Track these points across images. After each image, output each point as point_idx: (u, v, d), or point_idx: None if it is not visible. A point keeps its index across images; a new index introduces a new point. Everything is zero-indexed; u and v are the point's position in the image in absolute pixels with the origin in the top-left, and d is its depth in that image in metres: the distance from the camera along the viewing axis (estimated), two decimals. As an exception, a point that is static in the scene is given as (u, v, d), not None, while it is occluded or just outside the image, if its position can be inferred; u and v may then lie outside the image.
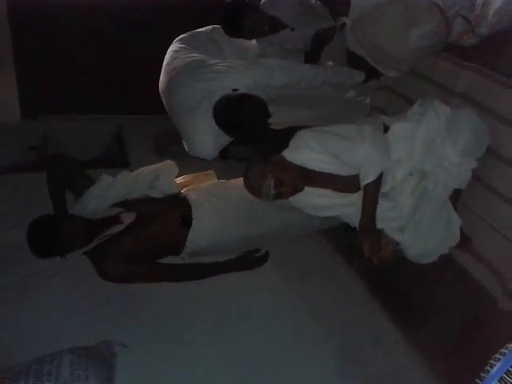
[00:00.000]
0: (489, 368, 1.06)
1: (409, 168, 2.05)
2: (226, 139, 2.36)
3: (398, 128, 2.07)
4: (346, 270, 2.56)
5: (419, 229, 2.06)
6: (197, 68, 2.30)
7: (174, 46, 2.51)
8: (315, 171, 2.04)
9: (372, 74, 2.58)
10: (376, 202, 2.01)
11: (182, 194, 2.36)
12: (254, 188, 2.04)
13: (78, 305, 2.17)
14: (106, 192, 2.22)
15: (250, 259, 2.42)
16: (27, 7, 3.39)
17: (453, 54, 2.28)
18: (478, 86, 2.19)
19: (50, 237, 2.05)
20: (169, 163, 2.42)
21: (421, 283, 2.27)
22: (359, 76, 2.59)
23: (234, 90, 2.24)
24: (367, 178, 1.96)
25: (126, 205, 2.24)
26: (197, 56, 2.38)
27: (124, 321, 2.11)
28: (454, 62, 2.28)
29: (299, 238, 2.58)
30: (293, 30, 2.59)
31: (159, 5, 3.66)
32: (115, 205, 2.24)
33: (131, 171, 2.39)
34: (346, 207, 2.13)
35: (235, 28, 2.46)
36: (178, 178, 2.48)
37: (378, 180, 1.97)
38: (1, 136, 1.98)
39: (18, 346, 1.93)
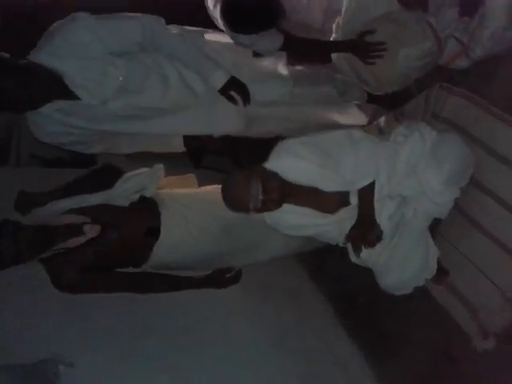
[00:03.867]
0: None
1: (385, 191, 1.95)
2: None
3: (380, 148, 1.97)
4: (312, 291, 2.47)
5: (395, 258, 1.96)
6: None
7: None
8: (296, 185, 1.93)
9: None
10: (373, 205, 1.94)
11: (153, 198, 2.19)
12: (236, 196, 1.89)
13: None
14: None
15: (221, 277, 2.26)
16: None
17: (442, 77, 2.21)
18: (465, 112, 2.12)
19: None
20: (159, 168, 2.25)
21: (392, 313, 2.19)
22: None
23: None
24: (362, 181, 1.89)
25: (89, 212, 2.05)
26: None
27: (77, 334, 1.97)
28: (442, 87, 2.21)
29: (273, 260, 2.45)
30: None
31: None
32: (74, 210, 2.06)
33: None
34: (326, 226, 2.03)
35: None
36: None
37: (372, 185, 1.89)
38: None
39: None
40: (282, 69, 2.39)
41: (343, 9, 2.38)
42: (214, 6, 2.26)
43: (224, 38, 2.27)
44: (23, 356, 1.77)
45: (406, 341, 2.16)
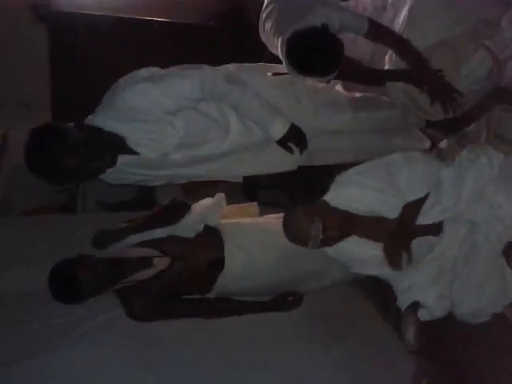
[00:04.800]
0: None
1: (451, 214, 1.91)
2: None
3: (445, 173, 1.94)
4: (381, 325, 2.41)
5: (470, 285, 1.89)
6: None
7: None
8: (359, 215, 1.93)
9: None
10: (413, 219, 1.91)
11: (217, 229, 2.26)
12: (297, 233, 1.92)
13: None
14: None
15: (284, 301, 2.30)
16: (69, 51, 3.45)
17: (506, 98, 2.17)
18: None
19: (67, 284, 1.96)
20: (221, 196, 2.36)
21: (469, 344, 2.10)
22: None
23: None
24: (412, 194, 1.89)
25: (158, 245, 2.15)
26: None
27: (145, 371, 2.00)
28: (503, 109, 2.16)
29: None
30: None
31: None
32: (145, 243, 2.16)
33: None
34: (383, 267, 1.99)
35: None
36: None
37: (421, 201, 1.87)
38: (30, 177, 1.92)
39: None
40: (342, 96, 2.39)
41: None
42: (263, 30, 2.37)
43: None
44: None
45: (485, 373, 2.07)
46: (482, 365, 2.11)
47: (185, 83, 1.93)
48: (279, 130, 2.07)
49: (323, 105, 2.31)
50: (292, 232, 1.94)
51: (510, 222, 1.86)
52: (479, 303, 1.89)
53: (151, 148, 1.96)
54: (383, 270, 2.00)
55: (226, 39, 3.99)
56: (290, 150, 2.12)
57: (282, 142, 2.10)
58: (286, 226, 1.96)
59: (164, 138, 1.96)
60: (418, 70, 2.20)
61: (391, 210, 1.94)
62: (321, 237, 1.86)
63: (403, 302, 1.94)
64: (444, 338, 2.20)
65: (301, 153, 2.15)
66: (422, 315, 1.92)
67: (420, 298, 1.91)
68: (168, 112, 1.93)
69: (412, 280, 1.94)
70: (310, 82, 2.29)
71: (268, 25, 2.34)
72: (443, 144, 2.55)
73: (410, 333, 1.89)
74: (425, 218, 1.92)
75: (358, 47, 2.95)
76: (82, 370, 1.98)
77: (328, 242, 1.92)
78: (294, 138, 2.10)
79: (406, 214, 1.92)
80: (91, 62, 3.57)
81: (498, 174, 1.89)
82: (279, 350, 2.21)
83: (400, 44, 2.24)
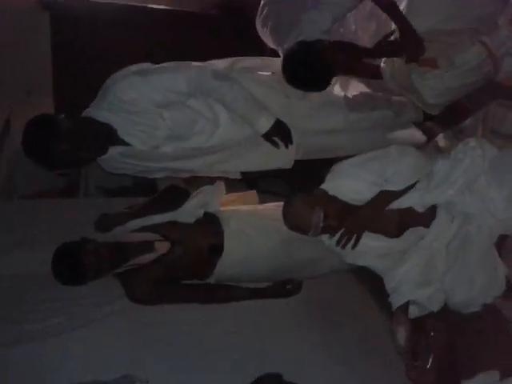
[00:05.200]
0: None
1: (442, 199, 1.96)
2: None
3: (439, 165, 1.99)
4: (375, 314, 2.45)
5: (462, 275, 1.95)
6: None
7: None
8: (358, 206, 1.97)
9: None
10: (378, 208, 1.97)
11: (217, 215, 2.31)
12: (297, 221, 1.95)
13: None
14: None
15: (283, 288, 2.35)
16: (71, 39, 3.47)
17: (501, 94, 2.21)
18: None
19: (71, 266, 2.05)
20: (220, 184, 2.41)
21: (461, 333, 2.15)
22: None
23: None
24: (392, 185, 1.92)
25: (158, 230, 2.20)
26: None
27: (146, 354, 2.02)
28: (501, 104, 2.20)
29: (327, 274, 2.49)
30: None
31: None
32: (145, 228, 2.21)
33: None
34: (380, 259, 2.04)
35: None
36: None
37: (398, 193, 1.92)
38: (30, 162, 1.98)
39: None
40: (337, 96, 2.43)
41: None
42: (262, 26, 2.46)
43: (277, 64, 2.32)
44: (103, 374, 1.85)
45: (475, 361, 2.11)
46: (473, 354, 2.16)
47: (173, 78, 2.04)
48: (264, 124, 2.15)
49: (318, 106, 2.36)
50: (292, 220, 1.98)
51: (502, 215, 1.91)
52: (470, 293, 1.94)
53: (141, 139, 2.06)
54: (377, 263, 2.05)
55: (228, 28, 4.00)
56: (276, 145, 2.21)
57: (268, 137, 2.18)
58: (286, 214, 1.99)
59: (153, 129, 2.06)
60: (407, 34, 2.20)
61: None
62: (321, 225, 1.90)
63: (395, 300, 1.99)
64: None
65: (286, 147, 2.23)
66: (413, 312, 1.96)
67: (412, 296, 1.95)
68: (157, 105, 2.02)
69: (401, 275, 1.98)
70: None
71: (266, 27, 2.51)
72: (440, 138, 2.58)
73: (401, 334, 1.90)
74: (403, 201, 1.96)
75: (358, 39, 2.97)
76: (78, 355, 1.99)
77: (328, 230, 1.96)
78: (279, 133, 2.19)
79: (377, 198, 1.96)
80: (93, 49, 3.58)
81: (490, 167, 1.94)
82: (276, 336, 2.23)
83: (393, 8, 2.25)
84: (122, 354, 2.01)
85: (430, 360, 1.39)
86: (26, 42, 3.37)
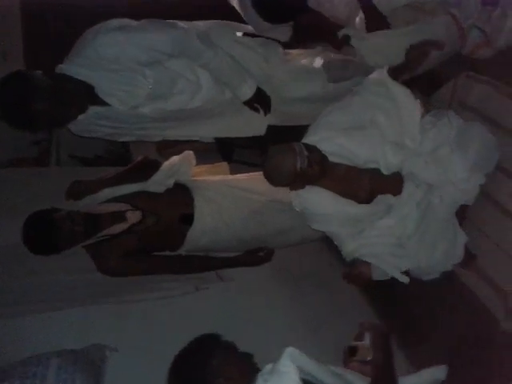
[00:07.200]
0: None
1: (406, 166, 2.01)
2: None
3: None
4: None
5: (423, 243, 2.00)
6: None
7: None
8: (333, 162, 1.99)
9: None
10: None
11: (187, 185, 2.31)
12: (280, 170, 1.91)
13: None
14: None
15: (254, 256, 2.38)
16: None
17: (467, 66, 2.23)
18: (490, 100, 2.14)
19: (45, 233, 1.98)
20: (189, 153, 2.40)
21: (421, 299, 2.22)
22: None
23: None
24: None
25: (130, 200, 2.20)
26: None
27: (117, 323, 2.05)
28: (468, 75, 2.23)
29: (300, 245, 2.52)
30: None
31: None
32: (115, 198, 2.20)
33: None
34: (344, 228, 2.07)
35: None
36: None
37: None
38: (4, 130, 1.92)
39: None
40: (316, 64, 2.42)
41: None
42: None
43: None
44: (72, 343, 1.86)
45: (435, 326, 2.19)
46: (433, 318, 2.23)
47: (157, 37, 1.96)
48: (246, 92, 2.18)
49: (296, 72, 2.36)
50: (276, 170, 1.93)
51: (463, 185, 1.96)
52: (431, 260, 2.00)
53: (120, 99, 1.98)
54: (341, 230, 2.08)
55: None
56: (257, 110, 2.25)
57: (249, 104, 2.22)
58: (268, 167, 1.95)
59: (134, 88, 1.99)
60: None
61: (359, 149, 2.01)
62: (306, 153, 1.89)
63: (349, 255, 2.09)
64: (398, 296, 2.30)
65: (265, 114, 2.28)
66: (377, 275, 2.02)
67: (373, 261, 2.02)
68: (140, 63, 1.95)
69: (369, 239, 2.05)
70: (282, 49, 2.38)
71: None
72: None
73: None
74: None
75: (334, 8, 2.94)
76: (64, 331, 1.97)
77: (313, 167, 1.92)
78: (260, 101, 2.24)
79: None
80: (65, 11, 3.47)
81: (455, 137, 1.98)
82: (249, 308, 2.25)
83: None
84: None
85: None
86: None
